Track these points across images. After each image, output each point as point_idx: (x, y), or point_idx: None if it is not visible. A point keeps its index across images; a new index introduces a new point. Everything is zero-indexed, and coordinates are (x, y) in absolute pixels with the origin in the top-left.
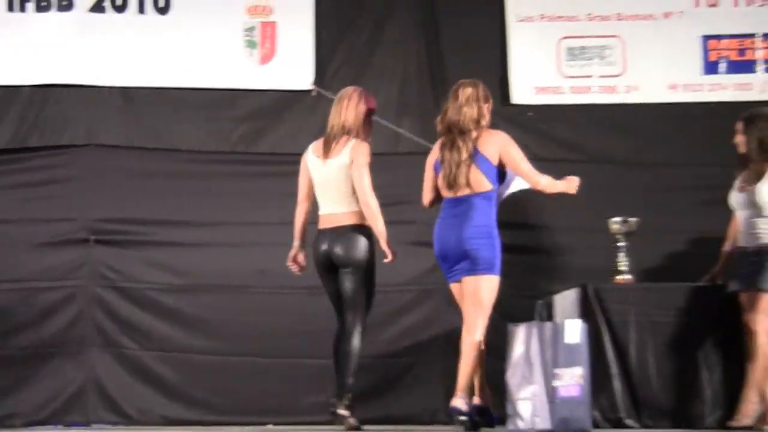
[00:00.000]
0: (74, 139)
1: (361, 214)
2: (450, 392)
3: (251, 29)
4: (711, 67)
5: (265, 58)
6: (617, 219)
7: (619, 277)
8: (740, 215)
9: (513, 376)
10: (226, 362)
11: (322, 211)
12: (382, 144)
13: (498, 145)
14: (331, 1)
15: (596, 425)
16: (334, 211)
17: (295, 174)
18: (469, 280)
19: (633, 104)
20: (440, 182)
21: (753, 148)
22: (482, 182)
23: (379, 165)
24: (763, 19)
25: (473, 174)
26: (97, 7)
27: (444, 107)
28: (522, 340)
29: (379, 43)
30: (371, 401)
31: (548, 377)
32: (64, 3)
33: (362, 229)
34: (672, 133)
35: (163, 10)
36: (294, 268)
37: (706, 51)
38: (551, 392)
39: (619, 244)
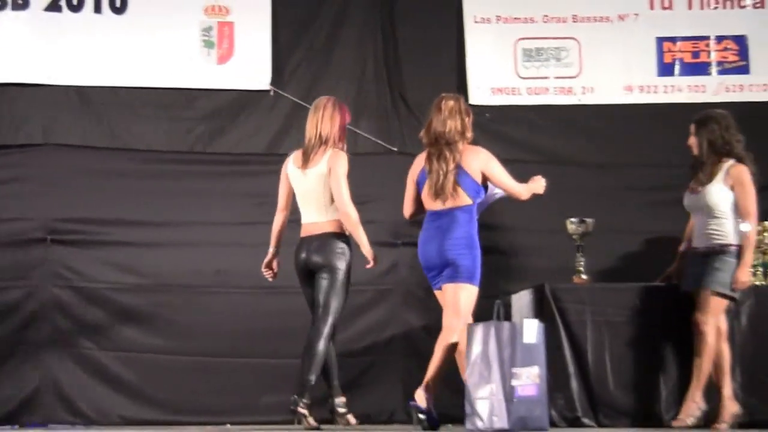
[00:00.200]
0: (30, 138)
1: (340, 223)
2: (408, 392)
3: (209, 29)
4: (666, 69)
5: (223, 58)
6: (574, 219)
7: (575, 277)
8: (693, 216)
9: (471, 376)
10: (184, 362)
11: (303, 220)
12: None
13: (480, 162)
14: (288, 2)
15: (553, 424)
16: (314, 220)
17: (253, 174)
18: (448, 288)
19: (589, 105)
20: (426, 192)
21: (704, 149)
22: (463, 196)
23: None
24: (716, 21)
25: (457, 186)
26: (53, 6)
27: (427, 120)
28: (480, 339)
29: (336, 43)
30: (329, 401)
31: (506, 377)
32: (20, 2)
33: (341, 237)
34: (628, 134)
35: (119, 10)
36: (268, 274)
37: (661, 53)
38: (509, 391)
39: (575, 244)
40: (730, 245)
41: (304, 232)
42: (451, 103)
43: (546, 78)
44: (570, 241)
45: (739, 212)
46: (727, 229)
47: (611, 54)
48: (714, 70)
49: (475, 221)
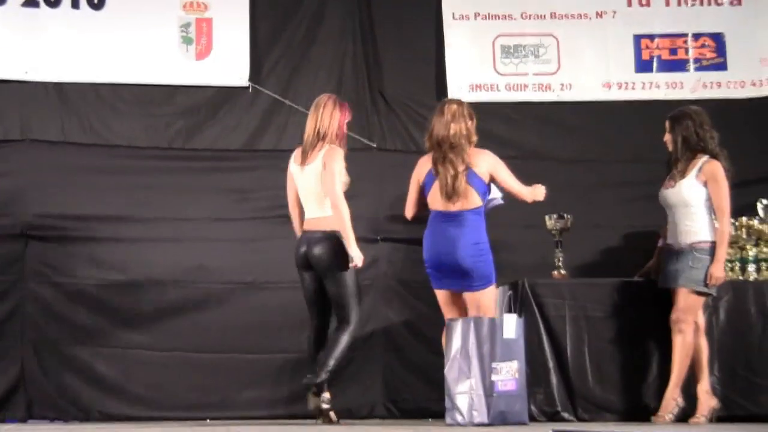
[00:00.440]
0: (9, 134)
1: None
2: (389, 387)
3: (187, 25)
4: (644, 66)
5: (201, 55)
6: (552, 215)
7: (554, 273)
8: (668, 212)
9: (451, 371)
10: (163, 357)
11: (305, 216)
12: None
13: (488, 164)
14: None
15: (533, 419)
16: (314, 215)
17: (233, 169)
18: (470, 296)
19: (568, 102)
20: (434, 195)
21: (679, 146)
22: (474, 198)
23: None
24: (694, 18)
25: (467, 187)
26: (31, 2)
27: (430, 124)
28: (459, 334)
29: (315, 40)
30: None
31: (486, 371)
32: None
33: (339, 232)
34: (606, 130)
35: (97, 6)
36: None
37: (638, 50)
38: (489, 386)
39: (554, 239)
40: (704, 242)
41: (305, 227)
42: (455, 107)
43: (524, 75)
44: (548, 236)
45: (712, 208)
46: (700, 225)
47: (589, 51)
48: (692, 67)
49: (484, 222)
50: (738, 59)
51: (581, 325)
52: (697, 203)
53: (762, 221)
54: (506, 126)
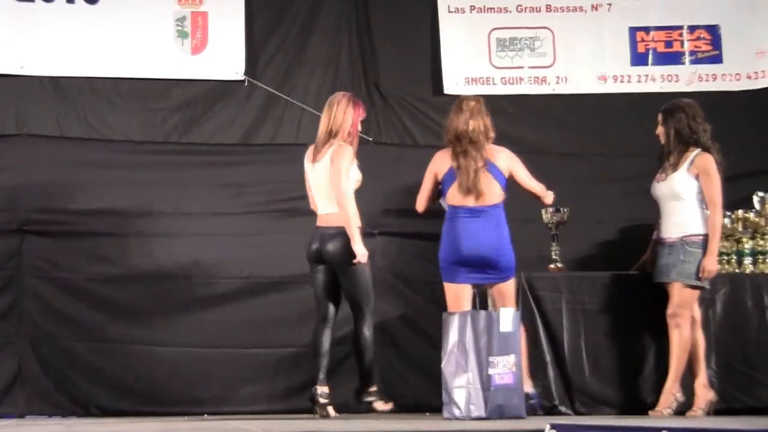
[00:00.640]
0: (5, 128)
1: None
2: (386, 381)
3: (182, 19)
4: (639, 59)
5: (197, 49)
6: (549, 209)
7: (551, 266)
8: (660, 205)
9: (448, 365)
10: (161, 353)
11: (318, 212)
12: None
13: (507, 160)
14: None
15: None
16: (326, 211)
17: (229, 164)
18: (496, 288)
19: (563, 95)
20: (455, 190)
21: (671, 139)
22: (496, 191)
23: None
24: (689, 11)
25: (489, 182)
26: None
27: (448, 120)
28: (456, 328)
29: (311, 33)
30: (307, 390)
31: (483, 365)
32: None
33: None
34: (602, 123)
35: (92, 0)
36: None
37: (634, 42)
38: (486, 380)
39: (551, 233)
40: (696, 235)
41: (318, 222)
42: (473, 103)
43: (520, 68)
44: (545, 230)
45: (704, 201)
46: (692, 218)
47: (585, 44)
48: (687, 59)
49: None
50: (734, 52)
51: (578, 319)
52: (688, 196)
53: (758, 214)
54: (502, 119)
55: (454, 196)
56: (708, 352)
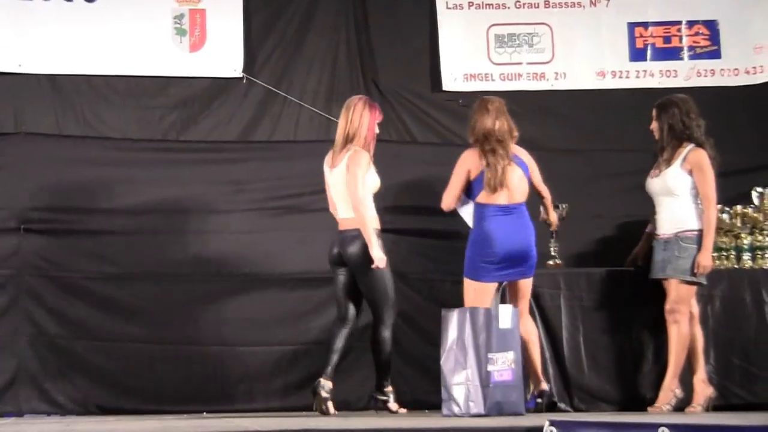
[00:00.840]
0: (3, 127)
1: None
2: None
3: (180, 17)
4: (638, 54)
5: (195, 46)
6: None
7: (550, 262)
8: (654, 201)
9: (447, 362)
10: (160, 351)
11: (338, 216)
12: (312, 131)
13: (528, 161)
14: None
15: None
16: (345, 216)
17: (227, 161)
18: (525, 283)
19: (562, 91)
20: (487, 186)
21: (665, 134)
22: (523, 188)
23: (307, 151)
24: (688, 6)
25: (519, 177)
26: None
27: (472, 119)
28: (455, 325)
29: (309, 30)
30: (308, 388)
31: (482, 362)
32: None
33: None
34: (601, 119)
35: None
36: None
37: (632, 38)
38: (485, 377)
39: (549, 229)
40: (690, 230)
41: (339, 226)
42: (497, 104)
43: (519, 64)
44: (544, 226)
45: (698, 197)
46: (686, 213)
47: (583, 40)
48: (686, 55)
49: None
50: (732, 47)
51: (577, 315)
52: (682, 192)
53: (756, 209)
54: None
55: (482, 195)
56: (707, 347)
